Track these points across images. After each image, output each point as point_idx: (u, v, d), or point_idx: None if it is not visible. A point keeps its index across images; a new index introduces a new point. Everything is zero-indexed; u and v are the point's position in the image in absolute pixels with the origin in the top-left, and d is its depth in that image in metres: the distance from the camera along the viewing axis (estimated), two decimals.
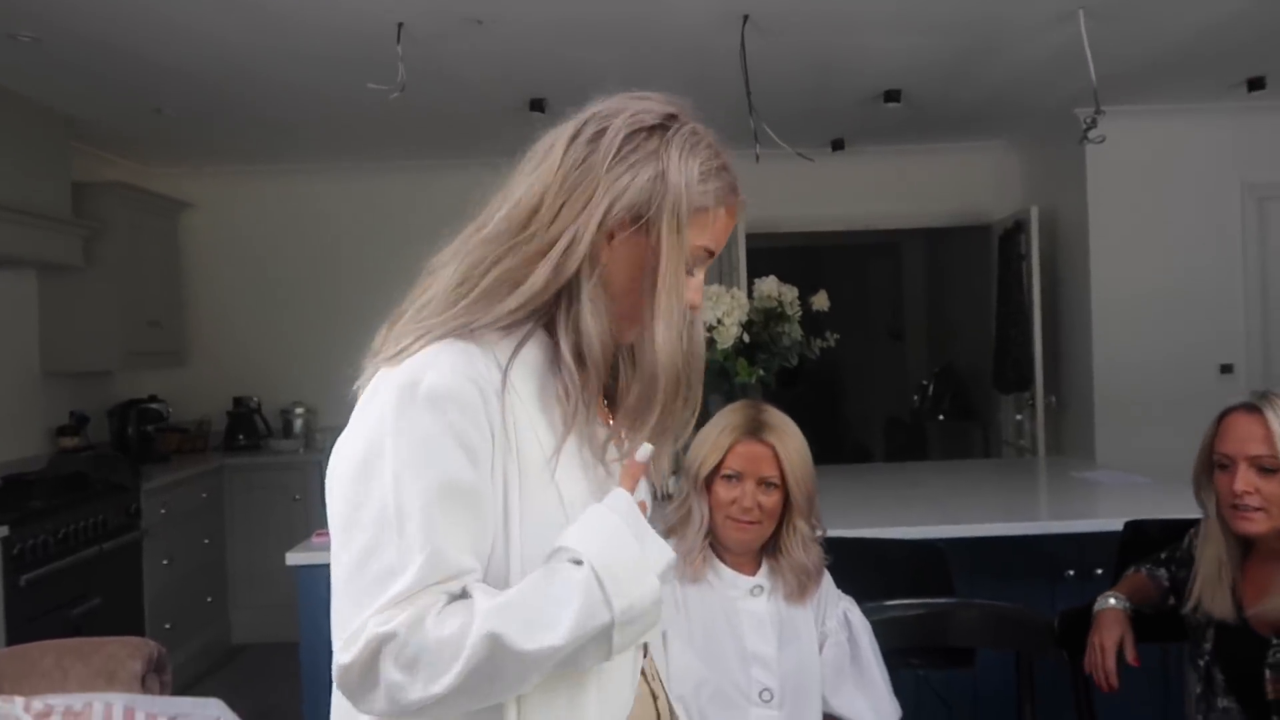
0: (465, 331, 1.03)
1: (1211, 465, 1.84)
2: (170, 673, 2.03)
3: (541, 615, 0.95)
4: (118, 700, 1.74)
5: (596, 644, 0.98)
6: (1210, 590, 1.84)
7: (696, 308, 1.13)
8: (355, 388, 1.08)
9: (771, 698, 1.86)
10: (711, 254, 1.12)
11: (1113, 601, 2.00)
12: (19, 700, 1.66)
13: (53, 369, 4.63)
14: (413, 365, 1.01)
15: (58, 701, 1.68)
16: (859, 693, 1.95)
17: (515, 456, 1.02)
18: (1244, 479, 1.76)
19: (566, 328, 1.06)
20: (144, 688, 1.93)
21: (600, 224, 1.04)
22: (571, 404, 1.04)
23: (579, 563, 0.98)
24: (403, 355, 1.03)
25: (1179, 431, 4.62)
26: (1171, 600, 2.03)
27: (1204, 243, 4.94)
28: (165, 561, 4.44)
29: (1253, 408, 1.79)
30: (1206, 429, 1.85)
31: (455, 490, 0.97)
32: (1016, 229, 5.34)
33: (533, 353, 1.06)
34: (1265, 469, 1.75)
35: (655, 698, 1.15)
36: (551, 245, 1.04)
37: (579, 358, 1.05)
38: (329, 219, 5.58)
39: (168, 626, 4.38)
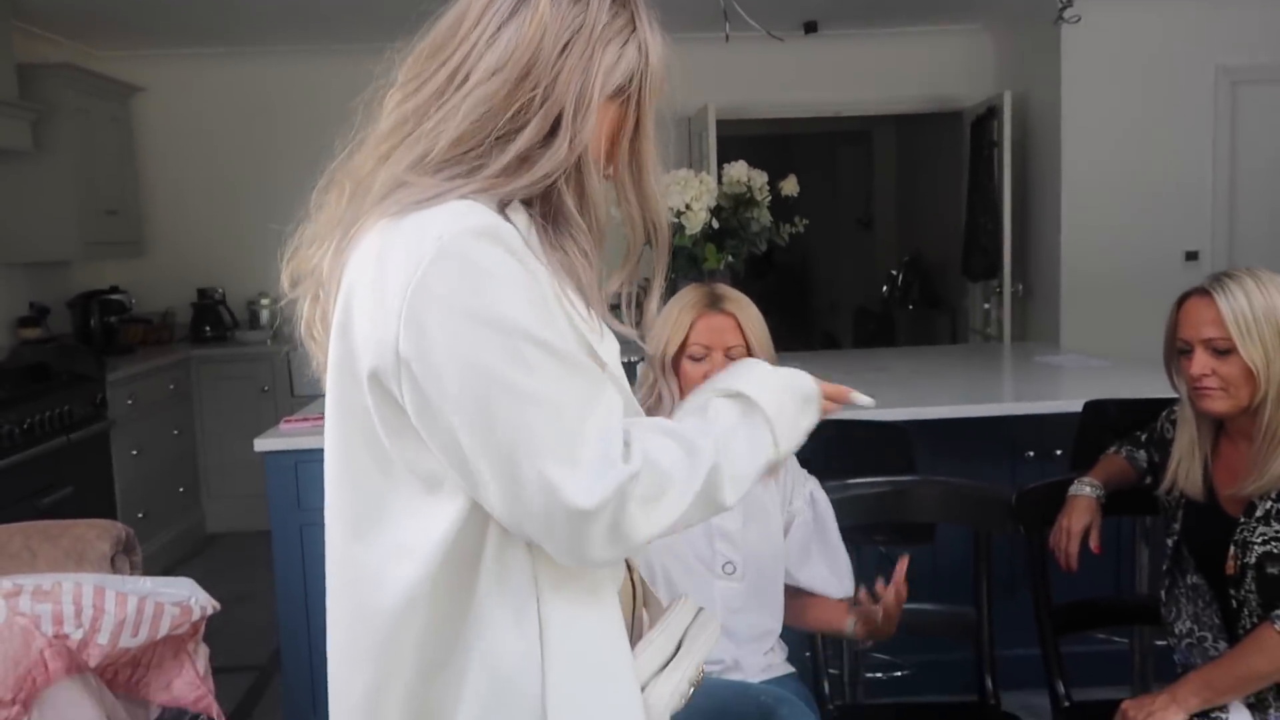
0: (480, 195, 0.98)
1: (1176, 350, 1.87)
2: (140, 554, 2.05)
3: (745, 451, 1.03)
4: (88, 580, 1.75)
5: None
6: (1185, 469, 1.88)
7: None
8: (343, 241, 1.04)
9: (734, 570, 1.91)
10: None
11: (1088, 490, 2.05)
12: None
13: (8, 259, 4.53)
14: (454, 215, 0.95)
15: (27, 581, 1.69)
16: (822, 564, 2.00)
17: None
18: (1200, 362, 1.80)
19: (570, 192, 1.03)
20: (114, 568, 1.94)
21: (601, 92, 1.03)
22: (594, 268, 1.03)
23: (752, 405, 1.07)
24: (427, 204, 0.96)
25: (1143, 318, 4.67)
26: (1148, 480, 2.08)
27: (1176, 128, 4.92)
28: (135, 452, 4.44)
29: (1204, 292, 1.81)
30: (1169, 315, 1.88)
31: (566, 343, 0.96)
32: (989, 115, 5.29)
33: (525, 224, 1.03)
34: (1220, 350, 1.78)
35: (631, 569, 1.17)
36: (559, 111, 1.01)
37: (590, 221, 1.04)
38: (288, 104, 5.41)
39: (140, 516, 4.40)
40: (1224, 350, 1.78)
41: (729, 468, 1.00)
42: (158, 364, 4.79)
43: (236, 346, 5.25)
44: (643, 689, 1.07)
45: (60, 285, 4.96)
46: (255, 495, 4.34)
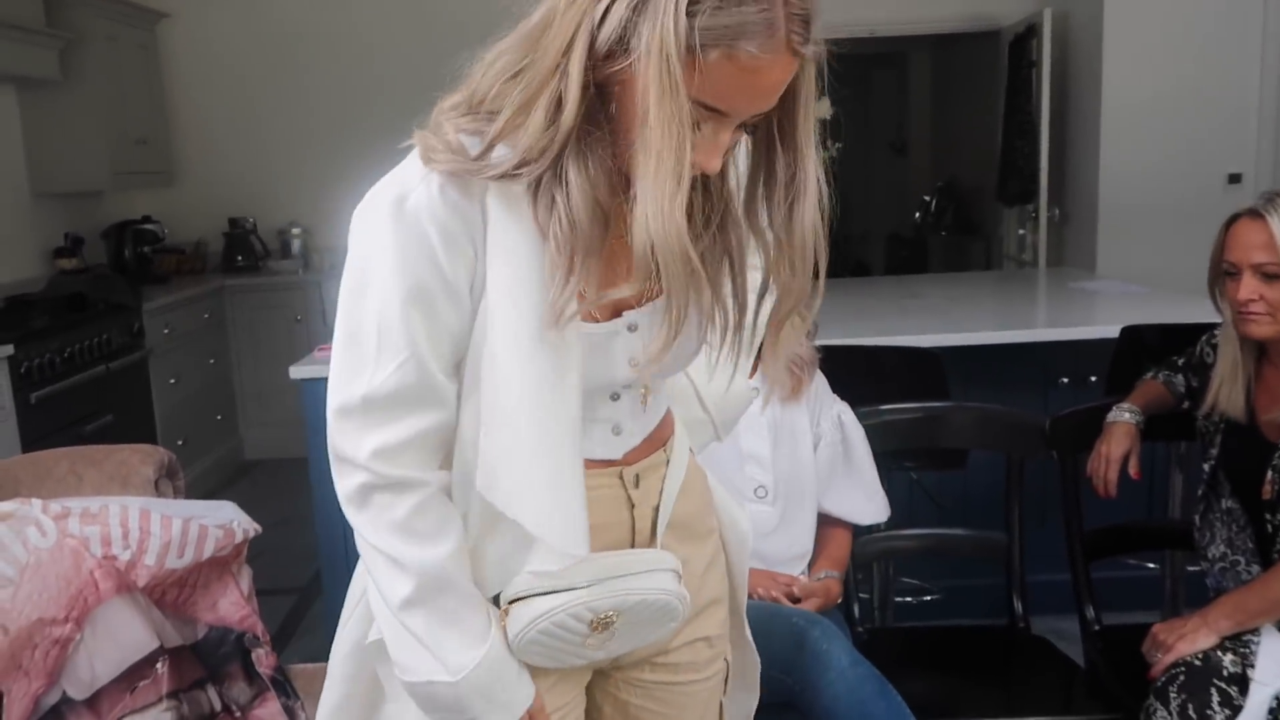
0: (464, 159, 0.95)
1: (1222, 272, 1.83)
2: (182, 479, 2.09)
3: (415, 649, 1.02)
4: (133, 503, 1.79)
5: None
6: (1227, 391, 1.86)
7: (708, 170, 0.96)
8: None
9: (766, 494, 1.92)
10: (723, 114, 0.93)
11: (1127, 415, 2.03)
12: (37, 503, 1.70)
13: (42, 190, 4.56)
14: (402, 178, 0.98)
15: (75, 504, 1.73)
16: (851, 491, 2.01)
17: (487, 298, 0.98)
18: (1248, 287, 1.75)
19: (558, 177, 0.95)
20: (158, 492, 1.98)
21: (585, 59, 0.90)
22: (559, 259, 0.95)
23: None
24: (403, 163, 0.99)
25: (1182, 243, 4.63)
26: (1186, 405, 2.06)
27: (1222, 46, 4.76)
28: (172, 380, 4.51)
29: (1256, 214, 1.76)
30: (1216, 235, 1.83)
31: (428, 304, 0.97)
32: (1028, 34, 5.14)
33: (523, 203, 0.98)
34: (1269, 275, 1.74)
35: (633, 506, 1.13)
36: (548, 78, 0.92)
37: (569, 212, 0.94)
38: (316, 29, 5.35)
39: (180, 443, 4.48)
40: (1273, 275, 1.74)
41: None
42: (192, 294, 4.83)
43: (268, 276, 5.28)
44: (514, 600, 1.05)
45: (93, 216, 4.99)
46: (291, 422, 4.42)
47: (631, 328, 1.06)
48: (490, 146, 0.96)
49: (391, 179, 0.99)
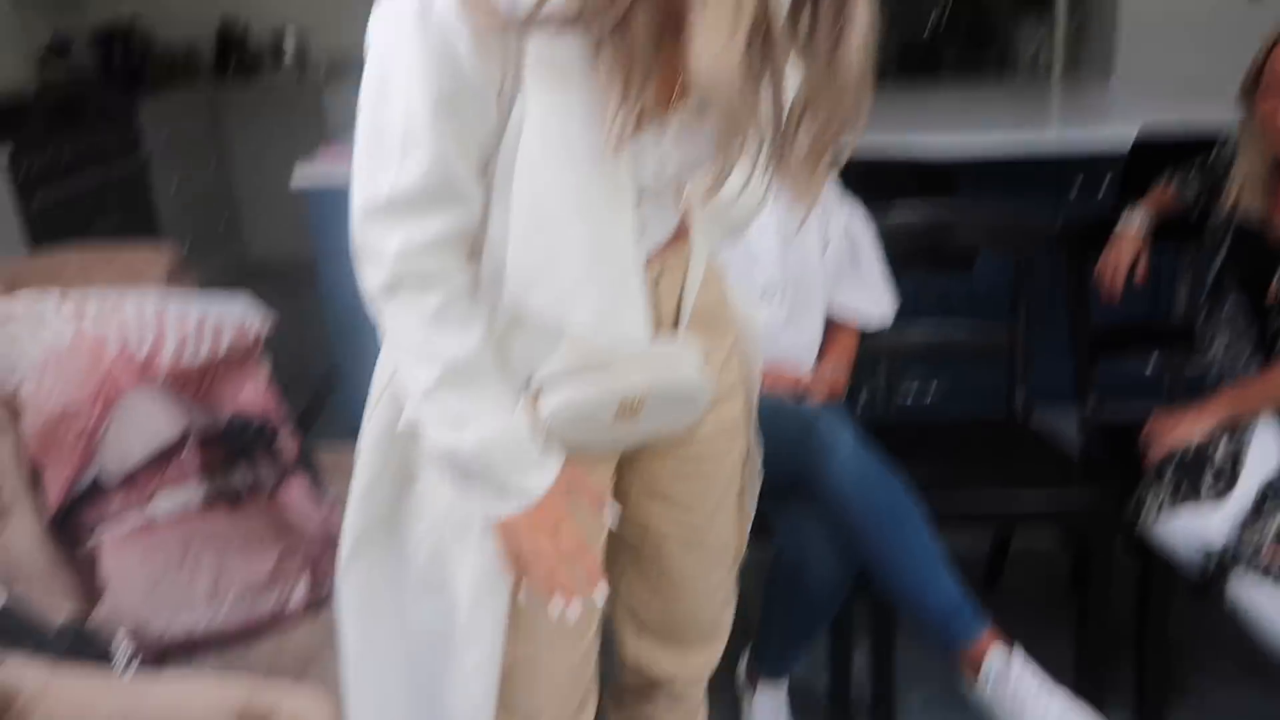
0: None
1: (1260, 79, 1.77)
2: (193, 279, 2.10)
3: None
4: (148, 300, 1.80)
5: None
6: (1250, 190, 1.84)
7: None
8: None
9: (775, 294, 1.93)
10: None
11: (1137, 222, 2.03)
12: (53, 298, 1.72)
13: None
14: None
15: (90, 303, 1.74)
16: (858, 289, 2.03)
17: (536, 111, 0.95)
18: None
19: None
20: (168, 289, 1.99)
21: None
22: (614, 81, 0.92)
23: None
24: None
25: (1201, 59, 4.46)
26: (1197, 213, 2.04)
27: None
28: (174, 188, 4.46)
29: None
30: (1265, 39, 1.76)
31: (456, 108, 0.94)
32: None
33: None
34: None
35: (658, 301, 1.14)
36: None
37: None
38: None
39: (185, 247, 4.48)
40: None
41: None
42: (186, 98, 4.72)
43: (265, 79, 5.10)
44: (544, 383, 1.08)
45: (76, 16, 4.80)
46: (296, 225, 4.41)
47: (659, 135, 1.03)
48: None
49: None
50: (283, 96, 5.02)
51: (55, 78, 4.41)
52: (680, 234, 1.17)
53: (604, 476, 1.22)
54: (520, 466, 1.07)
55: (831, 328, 2.03)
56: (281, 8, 5.17)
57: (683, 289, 1.17)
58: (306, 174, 2.69)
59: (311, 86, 4.96)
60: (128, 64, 4.84)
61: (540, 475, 1.07)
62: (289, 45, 5.20)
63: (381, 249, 1.00)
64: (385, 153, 0.97)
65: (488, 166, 1.00)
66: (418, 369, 1.03)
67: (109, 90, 4.27)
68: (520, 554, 1.08)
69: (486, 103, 0.95)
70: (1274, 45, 1.75)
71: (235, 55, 5.19)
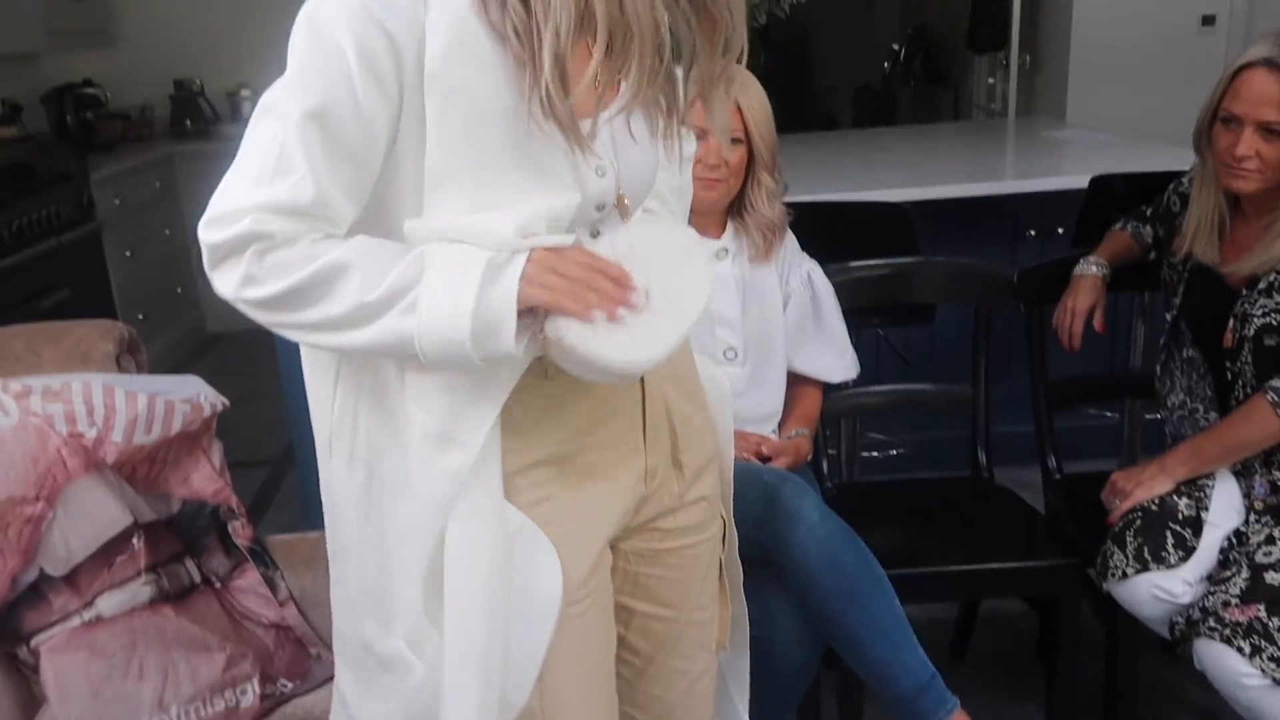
0: None
1: (1216, 118, 1.77)
2: (145, 354, 2.05)
3: (375, 279, 0.94)
4: (96, 379, 1.75)
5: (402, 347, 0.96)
6: (1204, 236, 1.83)
7: None
8: None
9: (736, 355, 1.92)
10: None
11: (1094, 269, 2.03)
12: None
13: None
14: None
15: (35, 382, 1.70)
16: (820, 349, 2.02)
17: (434, 116, 0.95)
18: (1247, 142, 1.69)
19: None
20: (120, 368, 1.95)
21: None
22: (519, 46, 0.93)
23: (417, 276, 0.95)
24: None
25: (1154, 89, 4.57)
26: (1153, 255, 2.06)
27: None
28: (128, 253, 4.40)
29: (1274, 66, 1.67)
30: (1221, 77, 1.76)
31: (329, 123, 0.93)
32: None
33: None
34: (1271, 131, 1.70)
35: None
36: None
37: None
38: None
39: (141, 317, 4.41)
40: (1276, 131, 1.69)
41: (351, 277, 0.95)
42: (140, 161, 4.67)
43: (220, 141, 5.10)
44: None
45: (29, 80, 4.76)
46: None
47: (591, 134, 1.02)
48: None
49: None
50: None
51: (6, 142, 4.35)
52: None
53: (601, 547, 1.16)
54: (491, 264, 0.95)
55: (794, 387, 2.02)
56: (237, 67, 5.17)
57: None
58: None
59: None
60: (80, 125, 4.80)
61: (511, 268, 0.96)
62: (245, 105, 5.19)
63: (233, 230, 0.95)
64: (254, 165, 0.96)
65: (364, 187, 0.98)
66: (329, 307, 0.95)
67: (61, 153, 4.22)
68: (543, 301, 0.96)
69: (371, 122, 0.94)
70: (1226, 87, 1.75)
71: (190, 115, 5.18)
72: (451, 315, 0.93)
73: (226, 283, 0.99)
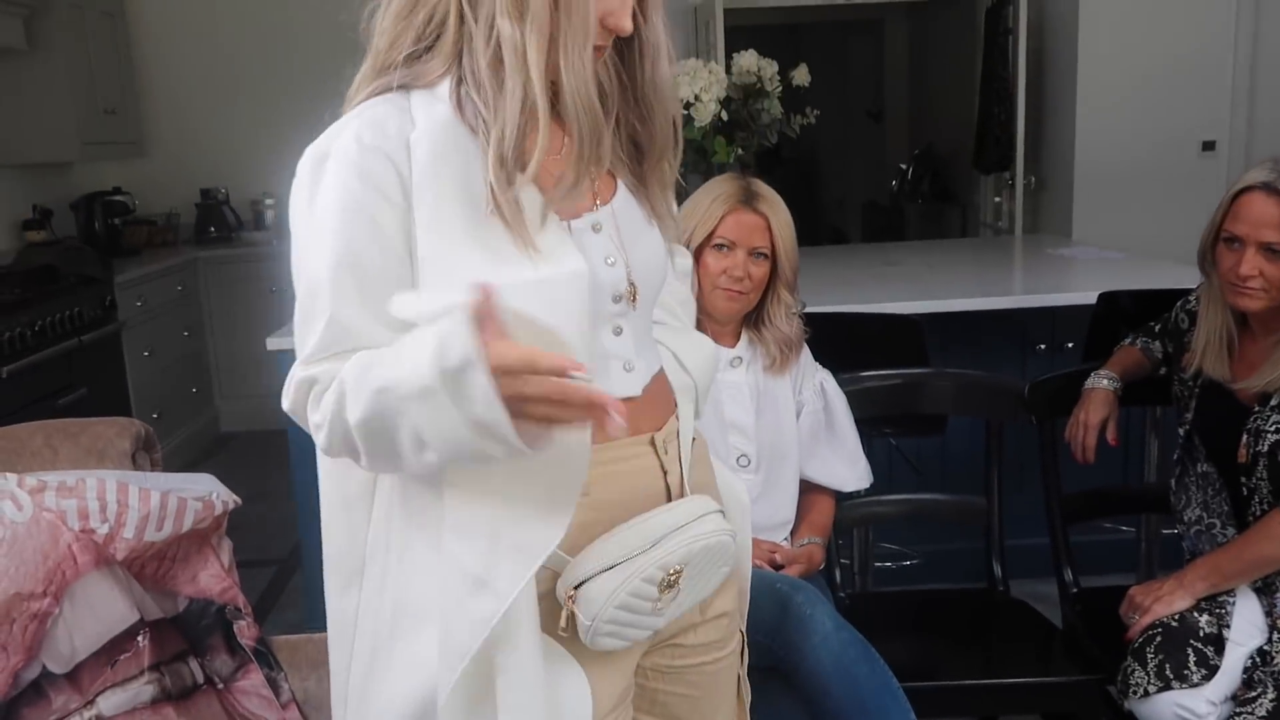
0: (385, 87, 1.02)
1: (1219, 238, 1.81)
2: (160, 451, 2.06)
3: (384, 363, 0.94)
4: (110, 476, 1.76)
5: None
6: (1214, 354, 1.85)
7: (620, 31, 1.02)
8: None
9: (749, 463, 1.92)
10: None
11: (1105, 383, 2.04)
12: (12, 477, 1.68)
13: (8, 161, 4.47)
14: (323, 138, 1.02)
15: (51, 478, 1.70)
16: (833, 458, 2.02)
17: (423, 217, 0.99)
18: (1250, 263, 1.73)
19: (484, 58, 0.99)
20: (135, 465, 1.96)
21: None
22: (507, 143, 0.98)
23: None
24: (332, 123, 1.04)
25: (1158, 209, 4.66)
26: (1163, 370, 2.07)
27: (1197, 13, 4.77)
28: (146, 353, 4.46)
29: (1272, 190, 1.71)
30: (1222, 200, 1.81)
31: (356, 261, 0.98)
32: (1004, 1, 5.13)
33: (447, 110, 1.01)
34: (1274, 251, 1.73)
35: (665, 472, 1.13)
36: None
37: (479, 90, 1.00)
38: None
39: (155, 416, 4.44)
40: (1278, 251, 1.73)
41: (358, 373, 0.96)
42: (164, 265, 4.77)
43: (243, 247, 5.22)
44: (580, 584, 1.02)
45: (61, 188, 4.91)
46: (267, 395, 4.39)
47: (596, 228, 1.08)
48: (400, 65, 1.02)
49: (313, 144, 1.03)
50: (260, 262, 5.10)
51: (35, 245, 4.46)
52: (668, 396, 1.18)
53: (623, 684, 1.14)
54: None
55: (806, 495, 2.02)
56: (261, 178, 5.32)
57: (680, 457, 1.16)
58: (278, 343, 2.70)
59: (288, 253, 5.04)
60: (108, 230, 4.92)
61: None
62: (268, 213, 5.32)
63: (290, 394, 1.04)
64: (304, 315, 1.02)
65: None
66: (354, 410, 0.95)
67: (87, 256, 4.32)
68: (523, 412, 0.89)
69: (391, 241, 0.99)
70: (1227, 210, 1.79)
71: (215, 222, 5.30)
72: (414, 364, 0.89)
73: (318, 440, 1.02)
